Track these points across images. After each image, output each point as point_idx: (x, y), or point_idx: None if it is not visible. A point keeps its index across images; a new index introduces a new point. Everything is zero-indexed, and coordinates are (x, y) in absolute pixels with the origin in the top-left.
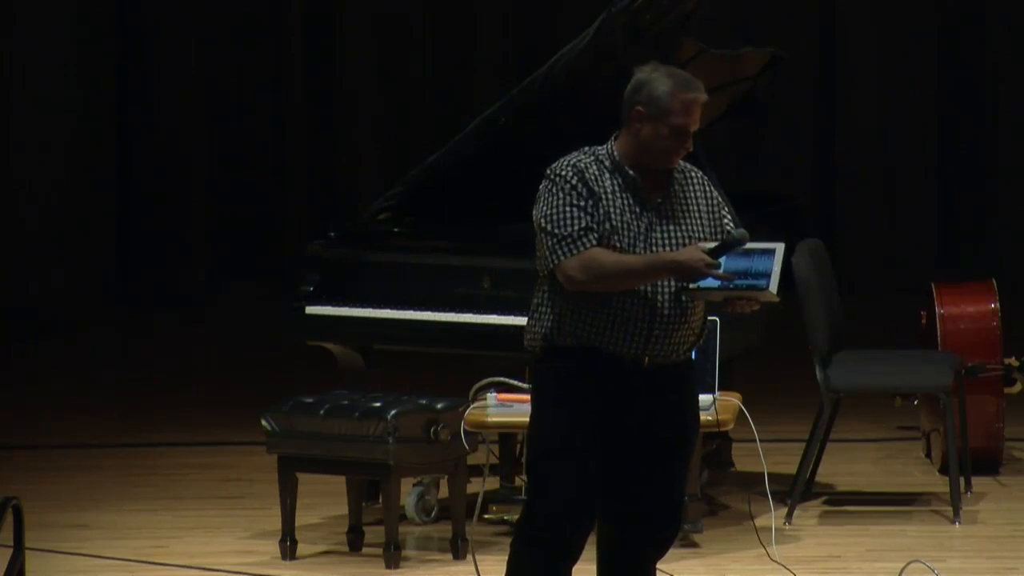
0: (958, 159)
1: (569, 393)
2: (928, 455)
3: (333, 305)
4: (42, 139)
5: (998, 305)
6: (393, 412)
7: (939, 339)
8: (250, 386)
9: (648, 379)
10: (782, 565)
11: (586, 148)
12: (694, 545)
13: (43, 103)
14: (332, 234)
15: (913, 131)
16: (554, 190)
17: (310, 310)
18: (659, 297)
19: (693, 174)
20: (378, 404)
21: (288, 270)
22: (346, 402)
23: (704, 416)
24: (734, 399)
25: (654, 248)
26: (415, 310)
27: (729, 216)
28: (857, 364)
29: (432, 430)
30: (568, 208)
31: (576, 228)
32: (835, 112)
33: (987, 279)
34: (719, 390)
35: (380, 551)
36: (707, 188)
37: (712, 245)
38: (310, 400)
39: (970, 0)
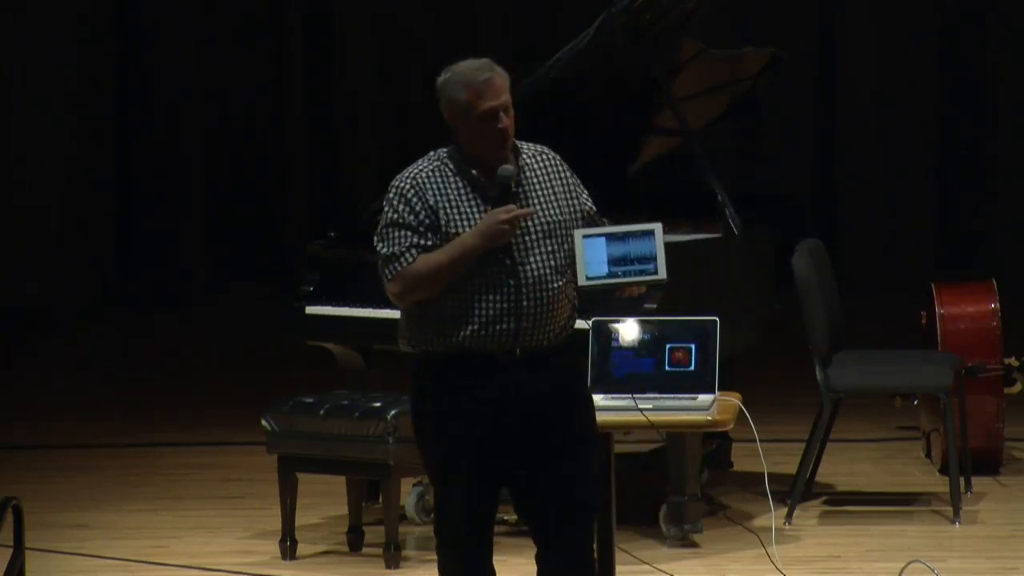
0: (958, 159)
1: (448, 402)
2: (928, 455)
3: (333, 305)
4: (42, 139)
5: (998, 305)
6: (393, 412)
7: (939, 339)
8: (250, 386)
9: (525, 368)
10: (779, 570)
11: (431, 153)
12: (694, 545)
13: (43, 103)
14: (332, 234)
15: (913, 131)
16: (387, 209)
17: (310, 310)
18: (523, 289)
19: (544, 157)
20: (378, 404)
21: (288, 270)
22: (346, 402)
23: (703, 416)
24: (734, 399)
25: (514, 241)
26: None
27: (587, 195)
28: (857, 364)
29: None
30: (394, 228)
31: (399, 248)
32: (835, 112)
33: (987, 279)
34: (719, 390)
35: (380, 551)
36: (560, 169)
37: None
38: (310, 400)
39: (970, 0)
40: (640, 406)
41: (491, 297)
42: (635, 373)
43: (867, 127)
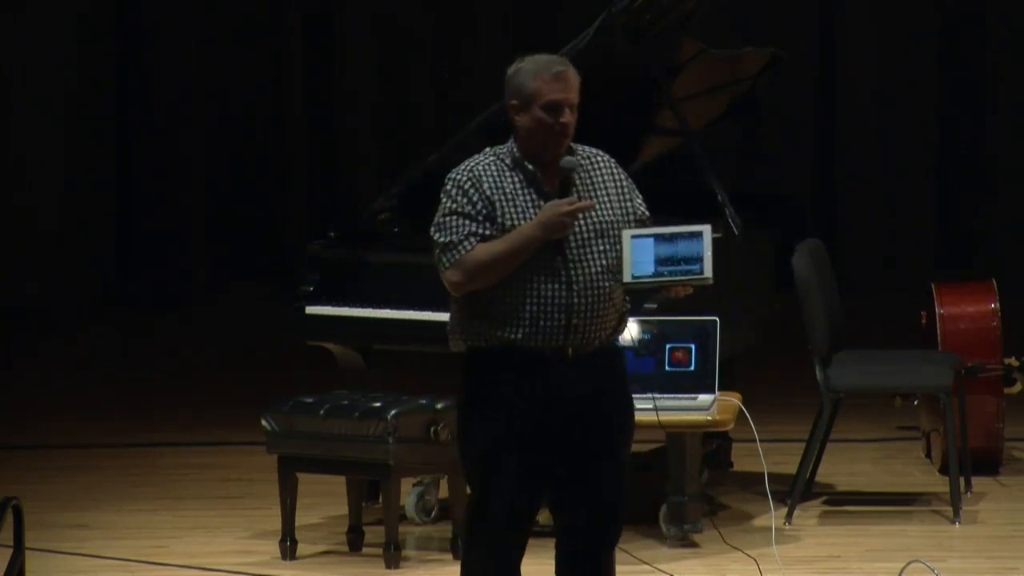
0: (958, 159)
1: (494, 397)
2: (928, 455)
3: (333, 305)
4: (42, 139)
5: (998, 305)
6: (393, 412)
7: (939, 339)
8: (250, 386)
9: (574, 368)
10: (779, 570)
11: (487, 149)
12: (694, 545)
13: (43, 103)
14: (332, 234)
15: (913, 131)
16: (445, 200)
17: (310, 310)
18: (575, 286)
19: (599, 159)
20: (378, 404)
21: (288, 270)
22: (346, 402)
23: (703, 416)
24: (734, 399)
25: (568, 238)
26: (415, 310)
27: (641, 199)
28: (857, 364)
29: (432, 430)
30: (453, 217)
31: (457, 236)
32: (835, 112)
33: (987, 279)
34: (719, 390)
35: (380, 551)
36: (615, 172)
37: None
38: (310, 400)
39: (970, 0)
40: (640, 406)
41: (544, 291)
42: (635, 373)
43: (867, 127)
